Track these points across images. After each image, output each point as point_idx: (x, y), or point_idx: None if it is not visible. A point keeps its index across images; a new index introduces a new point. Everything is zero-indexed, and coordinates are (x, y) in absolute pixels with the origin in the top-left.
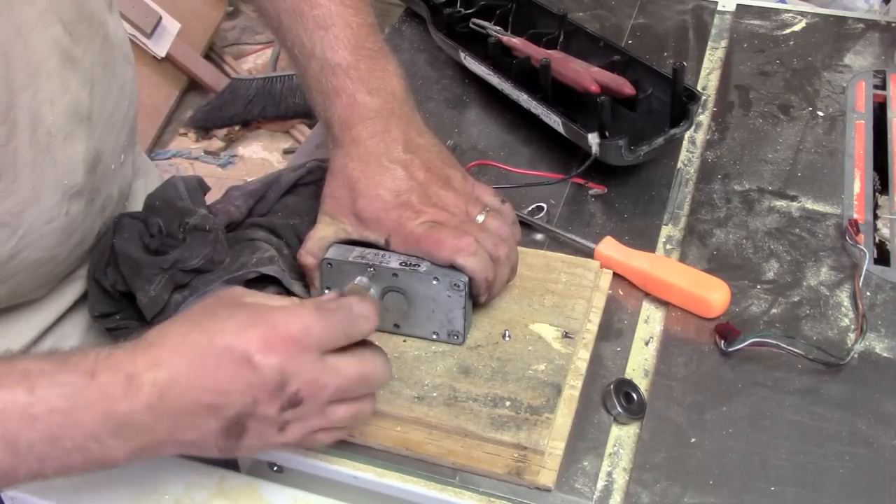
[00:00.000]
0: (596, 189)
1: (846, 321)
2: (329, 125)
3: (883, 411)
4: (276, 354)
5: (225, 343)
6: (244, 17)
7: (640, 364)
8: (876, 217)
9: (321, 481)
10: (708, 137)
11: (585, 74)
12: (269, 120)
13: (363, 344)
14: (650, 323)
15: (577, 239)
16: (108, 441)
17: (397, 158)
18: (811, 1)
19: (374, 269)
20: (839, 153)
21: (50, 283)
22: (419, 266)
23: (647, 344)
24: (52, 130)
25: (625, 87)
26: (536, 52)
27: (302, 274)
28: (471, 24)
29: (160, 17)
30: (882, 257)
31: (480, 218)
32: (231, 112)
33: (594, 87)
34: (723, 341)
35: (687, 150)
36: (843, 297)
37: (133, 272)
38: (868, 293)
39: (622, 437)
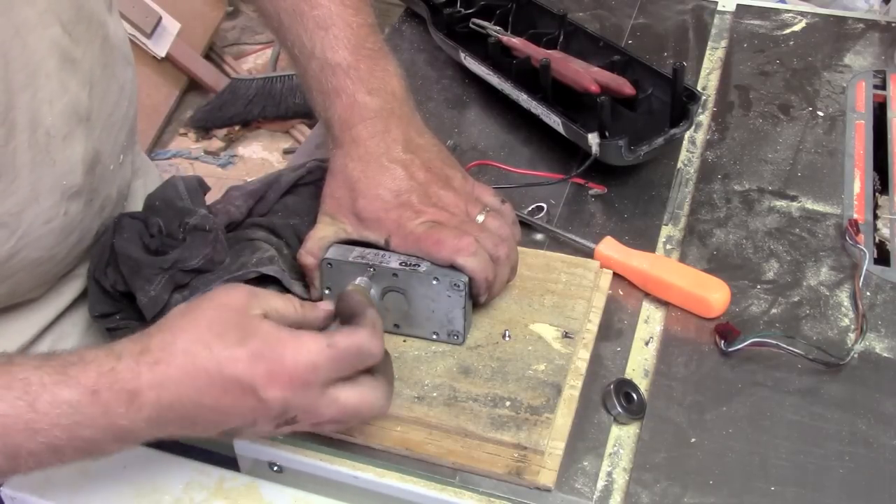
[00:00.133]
0: (596, 189)
1: (846, 321)
2: (329, 125)
3: (883, 411)
4: (282, 390)
5: (234, 374)
6: (244, 17)
7: (640, 364)
8: (876, 217)
9: (321, 481)
10: (708, 137)
11: (585, 74)
12: (269, 120)
13: (369, 372)
14: (650, 323)
15: (577, 239)
16: (108, 445)
17: (397, 158)
18: (811, 1)
19: (374, 269)
20: (839, 153)
21: (48, 283)
22: (419, 266)
23: (647, 344)
24: (51, 131)
25: (625, 87)
26: (536, 52)
27: (302, 274)
28: (471, 24)
29: (160, 17)
30: (882, 257)
31: (480, 218)
32: (231, 112)
33: (594, 87)
34: (723, 341)
35: (687, 150)
36: (843, 297)
37: (133, 272)
38: (868, 293)
39: (622, 437)
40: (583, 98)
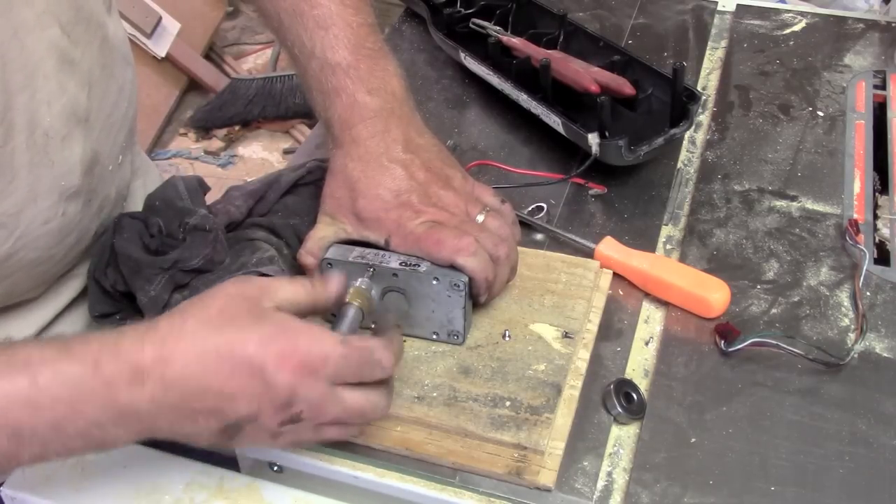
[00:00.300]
0: (596, 189)
1: (846, 321)
2: (329, 125)
3: (883, 411)
4: (291, 374)
5: (244, 355)
6: (244, 17)
7: (640, 364)
8: (876, 217)
9: (321, 481)
10: (708, 137)
11: (585, 74)
12: (269, 120)
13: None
14: (650, 323)
15: (577, 239)
16: (110, 428)
17: (397, 158)
18: (811, 1)
19: (374, 269)
20: (839, 153)
21: (46, 283)
22: (419, 266)
23: (647, 344)
24: (50, 132)
25: (625, 87)
26: (536, 52)
27: (302, 274)
28: (471, 24)
29: (160, 17)
30: (882, 257)
31: (480, 218)
32: (231, 112)
33: (594, 87)
34: (723, 341)
35: (687, 150)
36: (843, 297)
37: (133, 272)
38: (868, 293)
39: (622, 437)
40: (583, 98)
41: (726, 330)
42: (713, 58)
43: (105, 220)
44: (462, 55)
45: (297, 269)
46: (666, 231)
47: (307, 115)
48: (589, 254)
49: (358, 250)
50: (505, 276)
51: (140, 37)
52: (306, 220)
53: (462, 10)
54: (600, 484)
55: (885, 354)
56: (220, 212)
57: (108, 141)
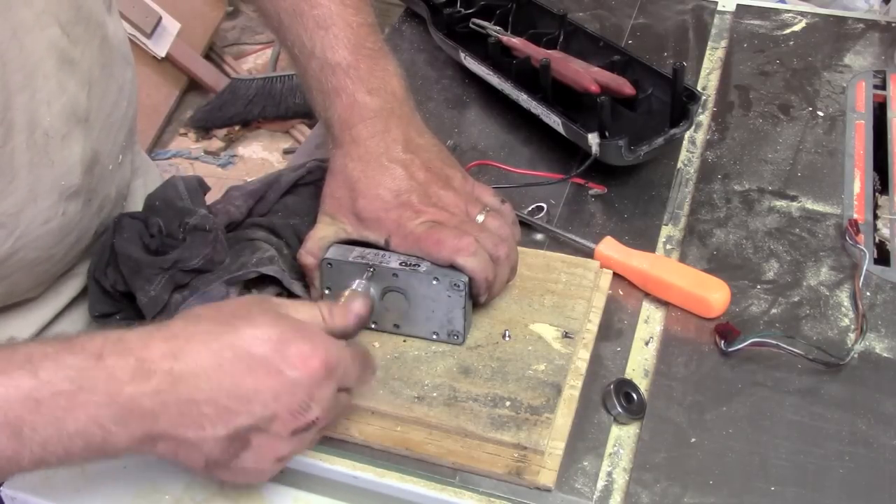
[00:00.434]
0: (596, 189)
1: (846, 321)
2: (329, 125)
3: (883, 411)
4: (310, 375)
5: (262, 353)
6: (244, 17)
7: (640, 364)
8: (876, 217)
9: (321, 481)
10: (708, 137)
11: (585, 74)
12: (269, 120)
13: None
14: (650, 323)
15: (577, 239)
16: (111, 427)
17: (397, 158)
18: (811, 1)
19: (374, 269)
20: (839, 153)
21: (46, 283)
22: (419, 266)
23: (647, 344)
24: (50, 132)
25: (625, 87)
26: (536, 52)
27: (302, 274)
28: (471, 24)
29: (160, 17)
30: (882, 257)
31: (480, 218)
32: (231, 112)
33: (594, 87)
34: (723, 341)
35: (687, 150)
36: (843, 297)
37: (133, 272)
38: (868, 293)
39: (622, 437)
40: (583, 98)
41: (726, 330)
42: (713, 58)
43: (105, 219)
44: (462, 55)
45: (297, 269)
46: (666, 231)
47: (307, 115)
48: (589, 254)
49: (358, 250)
50: (505, 276)
51: (140, 37)
52: (306, 220)
53: (462, 10)
54: (600, 484)
55: (885, 354)
56: (220, 212)
57: (108, 140)
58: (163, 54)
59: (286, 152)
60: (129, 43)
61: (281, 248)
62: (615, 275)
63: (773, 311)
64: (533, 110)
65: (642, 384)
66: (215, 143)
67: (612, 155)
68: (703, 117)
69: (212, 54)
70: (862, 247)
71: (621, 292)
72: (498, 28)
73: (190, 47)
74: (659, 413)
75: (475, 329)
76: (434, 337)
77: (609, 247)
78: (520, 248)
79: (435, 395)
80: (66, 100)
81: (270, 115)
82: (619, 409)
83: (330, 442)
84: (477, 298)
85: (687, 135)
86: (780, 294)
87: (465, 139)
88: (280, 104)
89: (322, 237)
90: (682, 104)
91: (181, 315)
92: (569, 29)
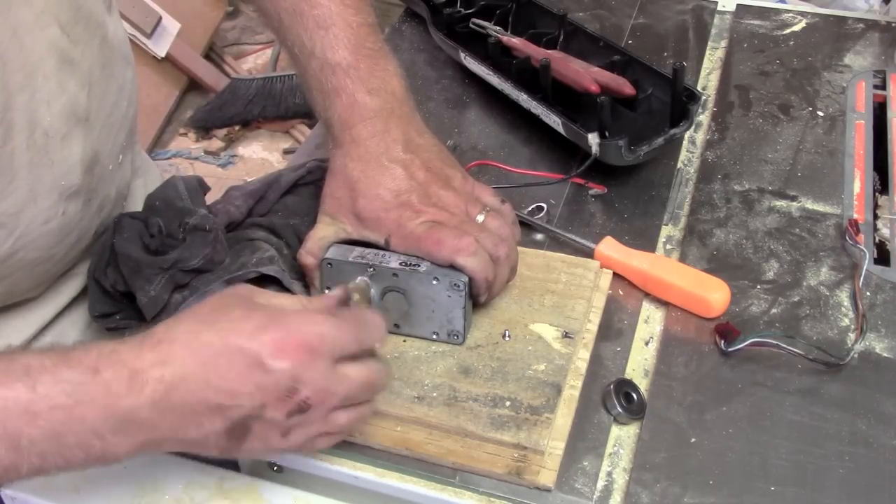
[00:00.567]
0: (596, 189)
1: (846, 321)
2: (329, 125)
3: (883, 411)
4: (289, 359)
5: (238, 344)
6: (244, 17)
7: (640, 364)
8: (876, 217)
9: (321, 481)
10: (708, 137)
11: (585, 74)
12: (269, 120)
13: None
14: (650, 323)
15: (577, 239)
16: (110, 437)
17: (397, 158)
18: (811, 1)
19: (374, 269)
20: (839, 153)
21: (47, 282)
22: (419, 266)
23: (647, 344)
24: (50, 131)
25: (625, 87)
26: (536, 52)
27: (302, 274)
28: (471, 24)
29: (160, 17)
30: (882, 257)
31: (480, 218)
32: (231, 112)
33: (594, 87)
34: (723, 341)
35: (687, 150)
36: (843, 297)
37: (133, 272)
38: (868, 293)
39: (622, 437)
40: (583, 98)
41: (726, 330)
42: (713, 58)
43: (105, 219)
44: (462, 55)
45: (297, 269)
46: (666, 231)
47: (307, 115)
48: (589, 254)
49: (358, 250)
50: (505, 276)
51: (140, 37)
52: (306, 220)
53: (462, 10)
54: (600, 484)
55: (885, 354)
56: (220, 212)
57: (108, 140)
58: (163, 54)
59: (286, 152)
60: (129, 43)
61: (281, 248)
62: (615, 275)
63: (773, 311)
64: (533, 110)
65: (642, 384)
66: (215, 143)
67: (612, 155)
68: (703, 117)
69: (212, 54)
70: (862, 247)
71: (621, 292)
72: (498, 28)
73: (190, 47)
74: (659, 413)
75: (475, 329)
76: (434, 337)
77: (609, 247)
78: (520, 248)
79: (435, 395)
80: (67, 100)
81: (270, 115)
82: (619, 409)
83: None
84: (477, 298)
85: (687, 135)
86: (780, 294)
87: (465, 139)
88: (280, 104)
89: (322, 237)
90: (682, 104)
91: (164, 321)
92: (569, 29)
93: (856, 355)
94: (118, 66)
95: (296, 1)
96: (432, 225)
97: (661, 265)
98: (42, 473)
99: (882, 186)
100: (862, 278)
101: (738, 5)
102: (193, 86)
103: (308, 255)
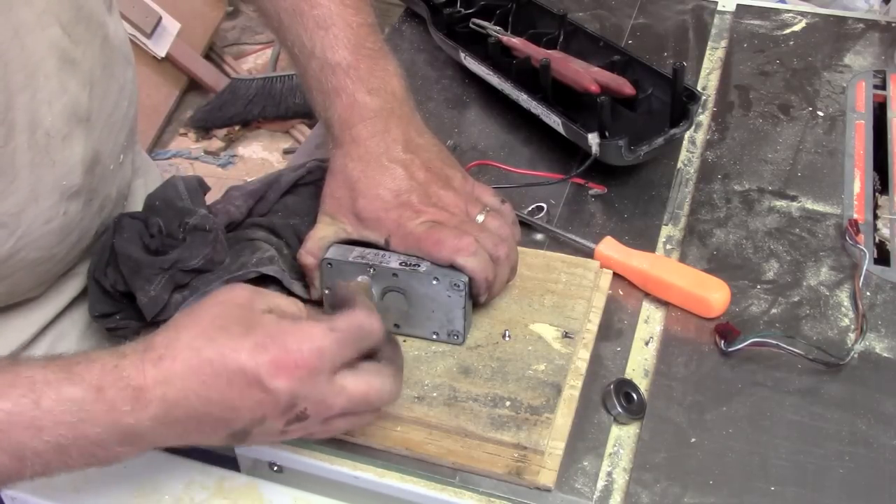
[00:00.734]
0: (596, 189)
1: (846, 321)
2: (329, 125)
3: (883, 411)
4: (288, 379)
5: (238, 365)
6: (244, 17)
7: (640, 364)
8: (876, 217)
9: (321, 481)
10: (708, 137)
11: (585, 74)
12: (269, 120)
13: (375, 360)
14: (650, 323)
15: (577, 239)
16: (115, 448)
17: (397, 158)
18: (811, 1)
19: (374, 269)
20: (839, 153)
21: (48, 282)
22: (419, 266)
23: (647, 344)
24: (51, 131)
25: (625, 87)
26: (536, 52)
27: (302, 274)
28: (471, 24)
29: (160, 17)
30: (882, 257)
31: (480, 218)
32: (231, 112)
33: (594, 87)
34: (723, 341)
35: (687, 150)
36: (843, 297)
37: (133, 272)
38: (868, 293)
39: (622, 437)
40: (583, 98)
41: (726, 330)
42: (713, 58)
43: (106, 219)
44: (462, 55)
45: (297, 269)
46: (666, 231)
47: (307, 115)
48: (589, 254)
49: (358, 250)
50: (505, 276)
51: (140, 37)
52: (306, 220)
53: (462, 10)
54: (600, 484)
55: (885, 354)
56: (220, 212)
57: (109, 140)
58: (163, 54)
59: (286, 152)
60: (130, 43)
61: (281, 248)
62: (615, 275)
63: (773, 311)
64: (533, 110)
65: (642, 384)
66: (215, 143)
67: (612, 155)
68: (703, 117)
69: (212, 54)
70: (862, 247)
71: (621, 292)
72: (498, 28)
73: (190, 47)
74: (659, 413)
75: (475, 329)
76: (434, 337)
77: (609, 247)
78: (520, 248)
79: (435, 395)
80: (68, 100)
81: (270, 115)
82: (619, 409)
83: (330, 442)
84: (477, 298)
85: (687, 135)
86: (780, 294)
87: (465, 139)
88: (280, 104)
89: (322, 237)
90: (682, 104)
91: (164, 325)
92: (569, 29)
93: (856, 355)
94: (119, 66)
95: (296, 1)
96: (432, 225)
97: (661, 265)
98: (45, 476)
99: (882, 186)
100: (862, 278)
101: (738, 5)
102: (193, 86)
103: (308, 255)
